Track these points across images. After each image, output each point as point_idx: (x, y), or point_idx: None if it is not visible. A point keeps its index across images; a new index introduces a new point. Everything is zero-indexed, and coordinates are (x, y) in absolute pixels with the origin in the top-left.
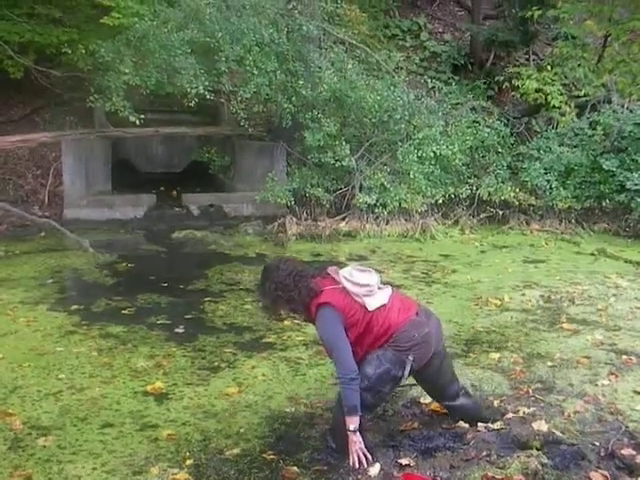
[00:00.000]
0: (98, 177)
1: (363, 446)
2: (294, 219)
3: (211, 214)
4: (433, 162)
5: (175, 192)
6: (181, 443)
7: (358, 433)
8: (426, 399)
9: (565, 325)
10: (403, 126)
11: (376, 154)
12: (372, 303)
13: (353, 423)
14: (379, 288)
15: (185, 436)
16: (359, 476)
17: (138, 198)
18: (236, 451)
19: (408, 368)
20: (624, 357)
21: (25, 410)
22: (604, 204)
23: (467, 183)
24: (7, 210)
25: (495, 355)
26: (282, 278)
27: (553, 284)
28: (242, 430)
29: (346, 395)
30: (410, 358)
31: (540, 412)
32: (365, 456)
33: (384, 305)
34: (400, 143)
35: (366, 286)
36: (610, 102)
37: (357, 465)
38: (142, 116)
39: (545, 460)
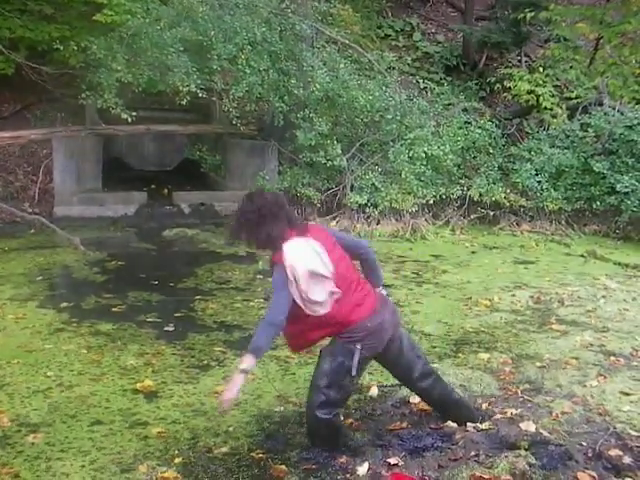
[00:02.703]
0: (89, 174)
1: (236, 394)
2: None
3: (202, 212)
4: (424, 162)
5: (166, 190)
6: (170, 441)
7: (243, 377)
8: (415, 399)
9: (554, 326)
10: (395, 126)
11: (367, 154)
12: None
13: (247, 363)
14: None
15: (174, 434)
16: (347, 475)
17: (129, 196)
18: (225, 449)
19: (357, 357)
20: (612, 358)
21: (13, 407)
22: (594, 206)
23: (458, 184)
24: None
25: (484, 355)
26: (250, 211)
27: (543, 285)
28: (231, 429)
29: (258, 334)
30: (358, 347)
31: (528, 413)
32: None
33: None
34: (392, 143)
35: (315, 303)
36: (601, 104)
37: (221, 409)
38: (134, 113)
39: (533, 460)
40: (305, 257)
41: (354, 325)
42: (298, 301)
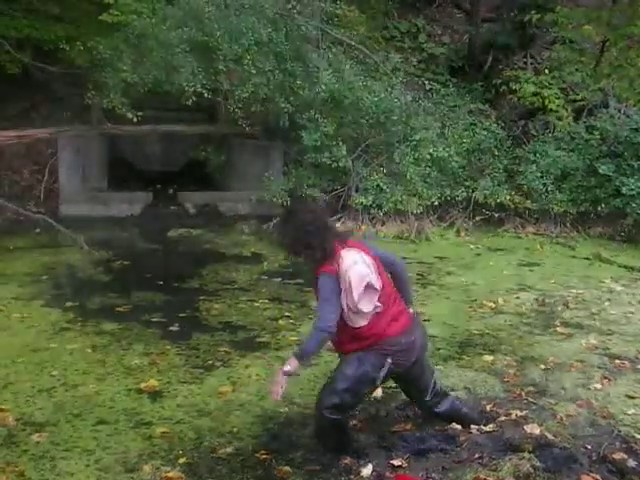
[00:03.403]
0: (94, 174)
1: (283, 390)
2: None
3: (207, 213)
4: (430, 164)
5: (171, 190)
6: (174, 441)
7: (286, 378)
8: None
9: (559, 329)
10: (400, 128)
11: (373, 155)
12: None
13: (291, 366)
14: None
15: (179, 434)
16: (351, 476)
17: (134, 196)
18: (229, 450)
19: (385, 370)
20: (617, 361)
21: (18, 406)
22: (600, 208)
23: (463, 185)
24: (2, 206)
25: (489, 358)
26: (308, 223)
27: (547, 288)
28: (235, 429)
29: (307, 340)
30: (389, 361)
31: (533, 415)
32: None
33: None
34: (397, 145)
35: (359, 314)
36: (607, 107)
37: (275, 396)
38: (139, 113)
39: (537, 463)
40: (362, 270)
41: (387, 339)
42: (344, 310)
